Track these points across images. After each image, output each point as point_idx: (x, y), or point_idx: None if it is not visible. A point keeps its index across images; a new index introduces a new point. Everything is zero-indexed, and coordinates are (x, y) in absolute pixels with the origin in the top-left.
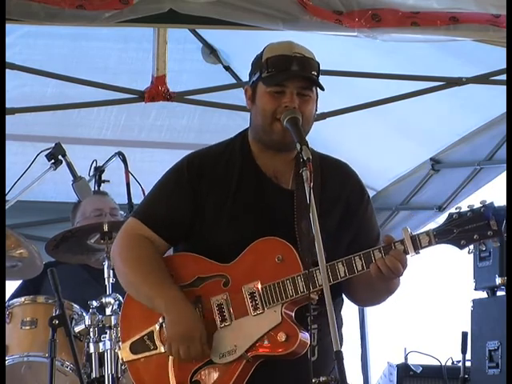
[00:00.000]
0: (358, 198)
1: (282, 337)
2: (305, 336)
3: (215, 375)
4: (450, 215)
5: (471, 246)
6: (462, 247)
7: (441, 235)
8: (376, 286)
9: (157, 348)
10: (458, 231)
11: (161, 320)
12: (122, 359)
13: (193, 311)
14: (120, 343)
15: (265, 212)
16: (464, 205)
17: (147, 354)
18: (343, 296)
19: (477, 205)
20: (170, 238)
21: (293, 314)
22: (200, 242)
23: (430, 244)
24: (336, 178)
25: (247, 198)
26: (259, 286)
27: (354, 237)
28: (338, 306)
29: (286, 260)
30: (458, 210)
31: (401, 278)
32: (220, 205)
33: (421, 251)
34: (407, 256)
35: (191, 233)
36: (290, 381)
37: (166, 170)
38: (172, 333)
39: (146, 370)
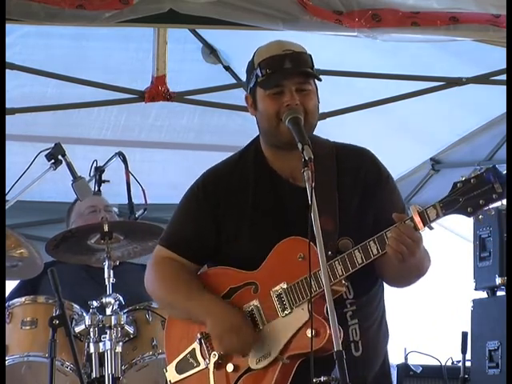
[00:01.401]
0: (375, 178)
1: (310, 333)
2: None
3: (255, 381)
4: (455, 184)
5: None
6: (469, 215)
7: (447, 206)
8: (399, 267)
9: (199, 364)
10: (463, 199)
11: (199, 336)
12: (170, 381)
13: (229, 306)
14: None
15: (284, 214)
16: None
17: (191, 371)
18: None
19: (480, 171)
20: (199, 259)
21: (324, 310)
22: (226, 254)
23: (438, 216)
24: (352, 165)
25: (265, 203)
26: (285, 287)
27: (377, 216)
28: (377, 295)
29: (308, 257)
30: (462, 179)
31: (429, 257)
32: (240, 215)
33: (432, 225)
34: (419, 232)
35: (217, 248)
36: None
37: (185, 192)
38: (218, 332)
39: None
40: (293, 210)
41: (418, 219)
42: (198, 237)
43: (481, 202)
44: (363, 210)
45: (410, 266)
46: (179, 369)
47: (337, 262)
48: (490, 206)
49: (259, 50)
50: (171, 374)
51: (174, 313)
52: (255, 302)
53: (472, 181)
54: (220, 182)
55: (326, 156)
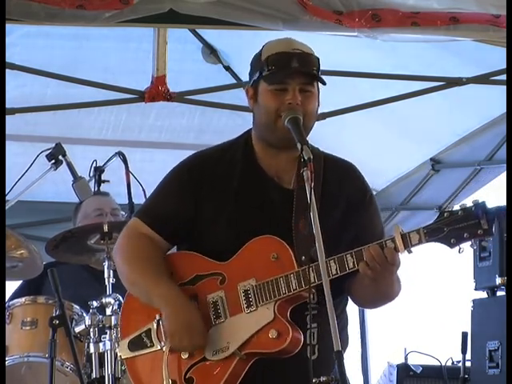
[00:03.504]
0: (359, 197)
1: (273, 334)
2: (297, 334)
3: (208, 372)
4: (441, 213)
5: (462, 245)
6: (452, 246)
7: (431, 233)
8: (368, 288)
9: (153, 345)
10: (448, 229)
11: (157, 317)
12: (120, 356)
13: (189, 304)
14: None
15: (264, 212)
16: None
17: (144, 351)
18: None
19: (469, 204)
20: (171, 238)
21: (287, 313)
22: (201, 241)
23: (420, 242)
24: (337, 178)
25: (247, 198)
26: (253, 284)
27: (356, 236)
28: (340, 304)
29: (281, 258)
30: (449, 209)
31: (399, 284)
32: (221, 205)
33: (412, 249)
34: (398, 254)
35: (192, 232)
36: (290, 381)
37: (168, 171)
38: (171, 326)
39: (143, 368)
40: (273, 208)
41: (399, 241)
42: (175, 216)
43: (465, 235)
44: (343, 226)
45: (379, 288)
46: (132, 346)
47: (311, 269)
48: (473, 241)
49: (268, 44)
50: (123, 350)
51: (134, 291)
52: (220, 294)
53: (459, 213)
54: (206, 168)
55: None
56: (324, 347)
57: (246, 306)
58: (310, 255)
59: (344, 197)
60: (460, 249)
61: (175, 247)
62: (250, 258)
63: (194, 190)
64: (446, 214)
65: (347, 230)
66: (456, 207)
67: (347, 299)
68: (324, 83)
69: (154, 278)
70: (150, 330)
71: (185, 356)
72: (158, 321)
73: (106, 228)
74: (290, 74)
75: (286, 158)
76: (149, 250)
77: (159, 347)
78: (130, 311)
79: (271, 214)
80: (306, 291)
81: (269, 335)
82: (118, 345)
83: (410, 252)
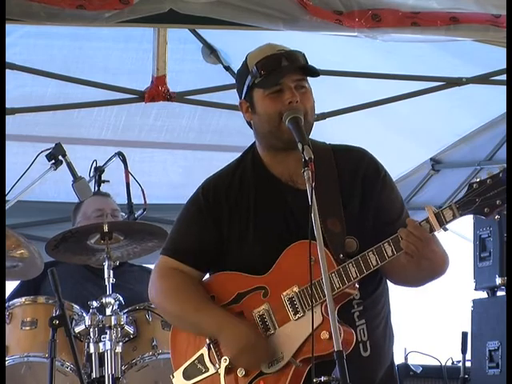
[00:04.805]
0: (373, 177)
1: (325, 335)
2: (349, 331)
3: None
4: (471, 185)
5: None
6: (486, 215)
7: (464, 207)
8: (410, 269)
9: (208, 370)
10: (480, 200)
11: (208, 341)
12: None
13: (242, 322)
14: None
15: (287, 217)
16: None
17: (200, 377)
18: (386, 284)
19: (496, 171)
20: (202, 267)
21: (335, 312)
22: (232, 261)
23: (454, 217)
24: (350, 165)
25: (267, 208)
26: (296, 290)
27: (377, 215)
28: (382, 296)
29: (319, 260)
30: (478, 179)
31: (445, 258)
32: (243, 222)
33: (447, 226)
34: (434, 233)
35: (222, 255)
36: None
37: (185, 203)
38: (233, 350)
39: None
40: (296, 213)
41: (434, 221)
42: (201, 244)
43: (497, 202)
44: (364, 209)
45: (422, 268)
46: (187, 375)
47: (350, 265)
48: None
49: (251, 54)
50: (179, 380)
51: (182, 326)
52: (265, 307)
53: (488, 181)
54: (220, 190)
55: (324, 159)
56: (375, 343)
57: (293, 313)
58: (346, 251)
59: (360, 181)
60: (495, 216)
61: None
62: (289, 266)
63: (213, 212)
64: (475, 186)
65: (369, 212)
66: (484, 176)
67: (387, 289)
68: (317, 74)
69: (198, 307)
70: (202, 355)
71: (241, 374)
72: (209, 344)
73: (105, 228)
74: (282, 73)
75: (294, 160)
76: (185, 283)
77: (214, 370)
78: (179, 342)
79: (294, 218)
80: (351, 288)
81: (321, 337)
82: (173, 376)
83: (445, 230)
